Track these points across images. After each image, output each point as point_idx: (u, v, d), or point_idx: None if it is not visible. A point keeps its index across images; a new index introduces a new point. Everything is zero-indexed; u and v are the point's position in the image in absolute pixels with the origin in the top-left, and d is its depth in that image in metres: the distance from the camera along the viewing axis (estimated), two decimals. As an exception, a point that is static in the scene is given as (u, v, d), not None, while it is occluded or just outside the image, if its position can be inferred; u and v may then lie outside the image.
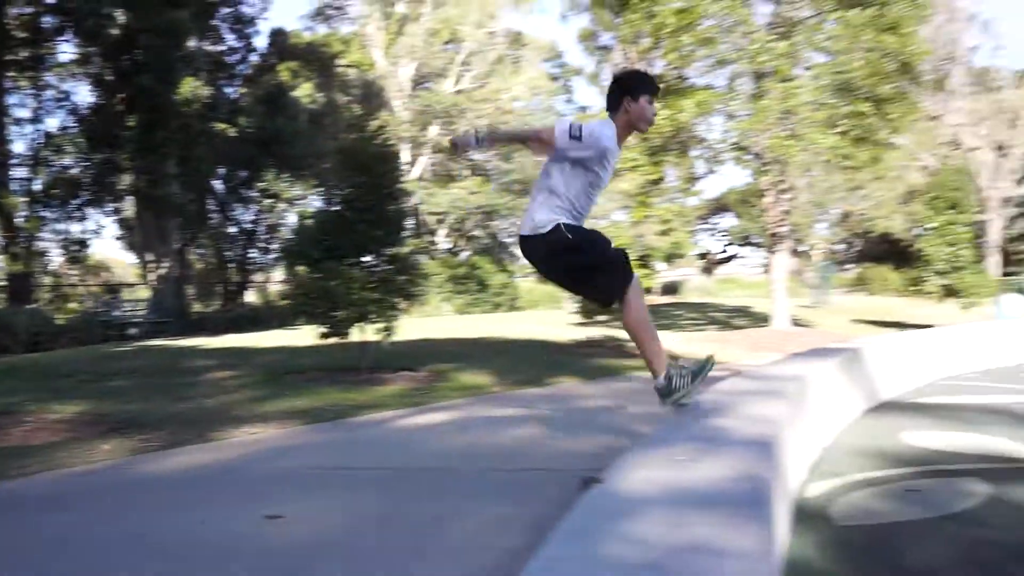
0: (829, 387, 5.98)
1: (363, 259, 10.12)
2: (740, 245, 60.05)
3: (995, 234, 37.71)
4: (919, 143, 36.92)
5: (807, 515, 3.89)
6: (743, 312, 27.30)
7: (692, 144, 18.43)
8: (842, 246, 53.07)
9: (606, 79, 35.99)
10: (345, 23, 39.34)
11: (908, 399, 7.82)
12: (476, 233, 39.61)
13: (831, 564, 3.23)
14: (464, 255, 37.38)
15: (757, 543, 1.88)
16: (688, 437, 3.26)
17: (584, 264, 4.10)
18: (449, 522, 3.68)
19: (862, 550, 3.42)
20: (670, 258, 49.44)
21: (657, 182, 20.11)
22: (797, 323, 20.38)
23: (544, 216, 4.04)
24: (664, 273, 55.17)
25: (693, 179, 29.35)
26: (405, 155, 33.79)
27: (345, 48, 36.62)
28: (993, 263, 37.17)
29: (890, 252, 38.92)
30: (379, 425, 6.80)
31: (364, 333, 9.88)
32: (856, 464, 4.91)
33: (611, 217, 26.66)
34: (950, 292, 17.48)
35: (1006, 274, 36.86)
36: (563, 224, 4.00)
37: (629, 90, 4.13)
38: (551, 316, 24.50)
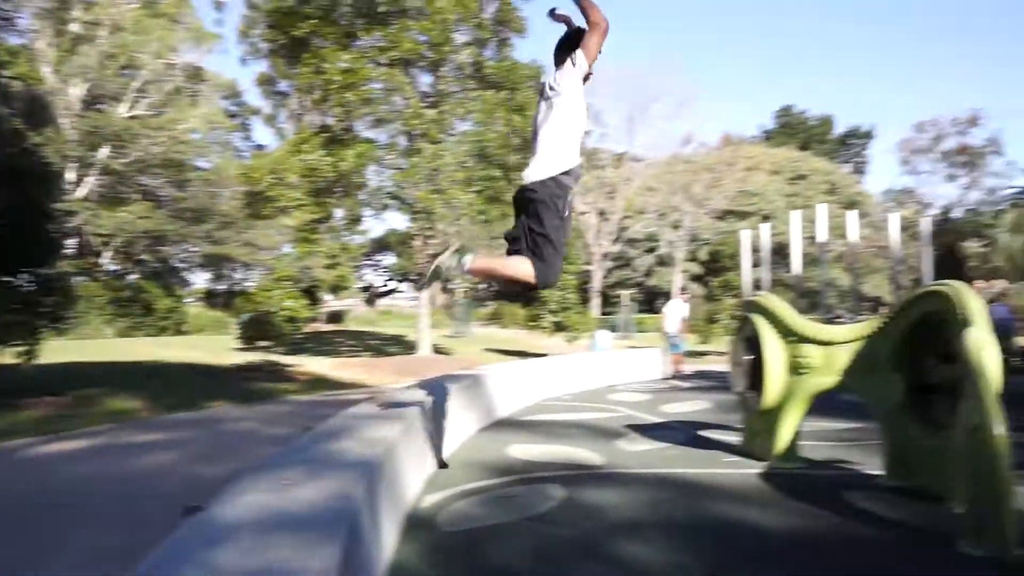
0: (449, 408, 6.17)
1: (3, 278, 8.71)
2: (399, 281, 61.31)
3: (597, 282, 42.28)
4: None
5: (418, 524, 3.94)
6: (397, 341, 27.72)
7: (353, 189, 18.46)
8: (483, 285, 56.27)
9: (282, 122, 34.97)
10: (12, 35, 34.08)
11: (517, 417, 8.34)
12: (145, 257, 36.12)
13: (430, 566, 3.28)
14: (131, 278, 33.86)
15: (324, 561, 1.81)
16: (301, 460, 3.13)
17: None
18: (52, 553, 3.18)
19: (458, 551, 3.52)
20: (335, 289, 49.09)
21: (322, 221, 19.83)
22: (440, 351, 21.11)
23: None
24: (330, 303, 54.47)
25: (357, 220, 29.41)
26: (71, 175, 29.97)
27: (11, 59, 31.67)
28: (595, 305, 41.63)
29: (520, 292, 42.05)
30: (9, 454, 5.81)
31: (1, 355, 8.47)
32: (467, 476, 5.10)
33: (282, 249, 25.78)
34: (560, 327, 19.17)
35: (604, 314, 41.54)
36: None
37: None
38: (215, 341, 22.98)
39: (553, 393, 10.46)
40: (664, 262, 45.46)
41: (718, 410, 8.41)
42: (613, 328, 35.81)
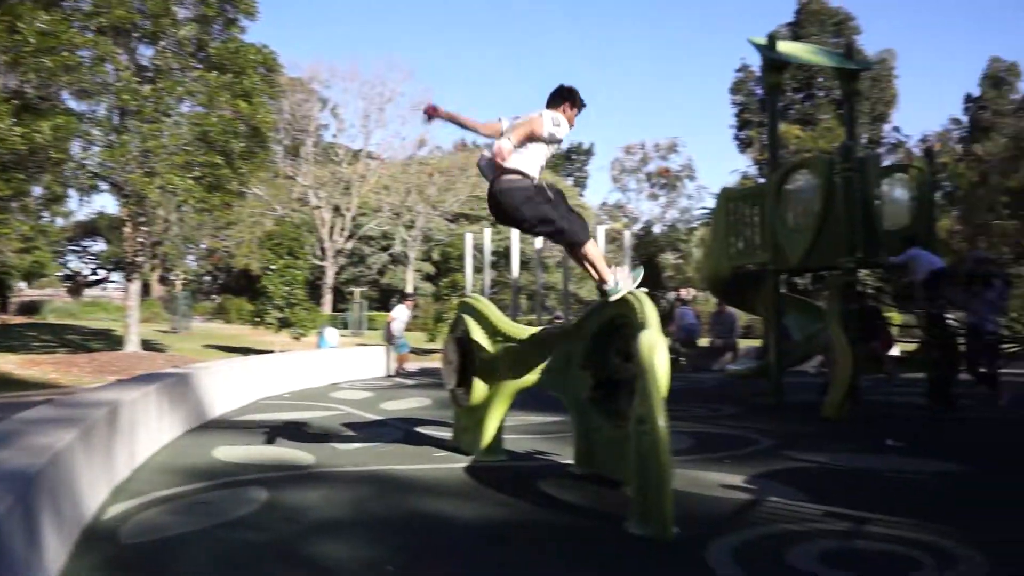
0: (146, 410, 5.71)
1: None
2: (109, 270, 55.57)
3: (330, 278, 41.50)
4: (275, 196, 38.90)
5: (96, 537, 3.59)
6: (104, 335, 25.06)
7: (51, 166, 16.37)
8: (208, 278, 52.84)
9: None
10: None
11: (230, 418, 7.94)
12: None
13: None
14: None
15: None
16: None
17: None
18: None
19: (137, 564, 3.26)
20: (30, 277, 43.20)
21: (11, 198, 17.34)
22: (152, 347, 19.47)
23: None
24: (24, 292, 47.88)
25: (58, 199, 26.19)
26: None
27: None
28: (328, 301, 40.83)
29: (248, 287, 39.96)
30: None
31: None
32: (163, 482, 4.74)
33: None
34: (286, 324, 18.55)
35: (338, 310, 40.87)
36: None
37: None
38: None
39: (273, 391, 10.10)
40: (398, 261, 45.78)
41: (437, 407, 8.62)
42: (345, 325, 35.38)
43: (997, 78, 38.68)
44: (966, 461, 5.43)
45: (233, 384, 8.94)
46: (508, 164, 4.27)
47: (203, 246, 44.81)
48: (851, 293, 8.28)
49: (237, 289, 43.70)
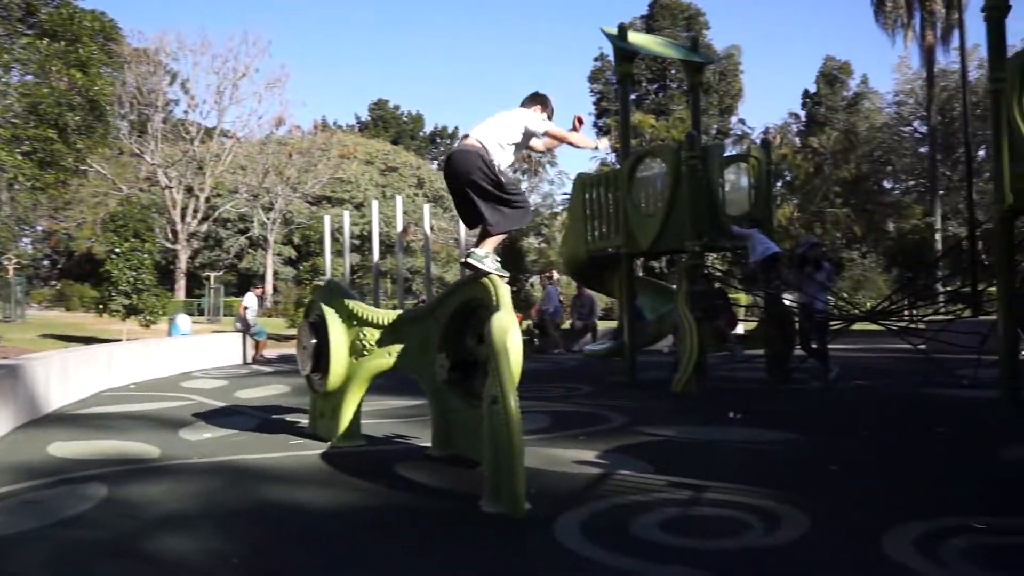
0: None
1: None
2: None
3: (184, 262, 39.42)
4: (119, 175, 36.46)
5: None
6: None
7: None
8: (46, 262, 48.99)
9: None
10: None
11: (71, 411, 7.46)
12: None
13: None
14: None
15: None
16: None
17: None
18: None
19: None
20: None
21: None
22: (-22, 338, 17.79)
23: None
24: None
25: None
26: None
27: None
28: (181, 287, 38.78)
29: (91, 272, 37.33)
30: None
31: None
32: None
33: None
34: (133, 311, 17.48)
35: (193, 296, 38.86)
36: None
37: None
38: None
39: (117, 383, 9.53)
40: (256, 244, 44.07)
41: (295, 394, 8.40)
42: (201, 311, 33.74)
43: (831, 75, 41.68)
44: (799, 430, 5.85)
45: (72, 375, 8.35)
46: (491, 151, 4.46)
47: (39, 228, 41.47)
48: (698, 275, 8.73)
49: (79, 274, 40.68)
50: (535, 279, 33.32)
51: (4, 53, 14.20)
